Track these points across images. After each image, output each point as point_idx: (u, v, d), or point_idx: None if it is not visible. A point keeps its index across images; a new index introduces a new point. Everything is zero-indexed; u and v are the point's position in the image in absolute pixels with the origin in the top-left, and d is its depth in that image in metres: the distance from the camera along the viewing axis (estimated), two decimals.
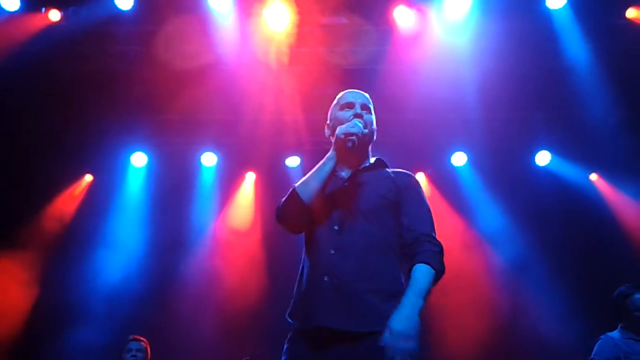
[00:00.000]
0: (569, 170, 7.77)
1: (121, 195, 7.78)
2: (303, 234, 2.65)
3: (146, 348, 4.58)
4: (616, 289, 4.13)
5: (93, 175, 7.81)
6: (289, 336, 2.50)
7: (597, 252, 7.48)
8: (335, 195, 2.58)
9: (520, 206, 7.63)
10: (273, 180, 7.71)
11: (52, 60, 6.36)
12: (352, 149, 2.54)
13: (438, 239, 2.48)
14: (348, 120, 2.62)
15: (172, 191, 7.70)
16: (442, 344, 6.77)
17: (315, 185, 2.50)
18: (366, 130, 2.59)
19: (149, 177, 7.82)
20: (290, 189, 2.56)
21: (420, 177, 7.98)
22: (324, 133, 2.84)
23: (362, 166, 2.71)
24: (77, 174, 7.74)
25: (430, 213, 2.57)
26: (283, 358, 2.45)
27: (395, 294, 2.35)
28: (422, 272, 2.34)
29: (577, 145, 7.53)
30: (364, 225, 2.48)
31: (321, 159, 2.60)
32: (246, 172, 7.95)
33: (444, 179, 7.92)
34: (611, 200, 7.65)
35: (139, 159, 7.76)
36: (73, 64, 6.47)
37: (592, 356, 3.90)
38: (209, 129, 7.39)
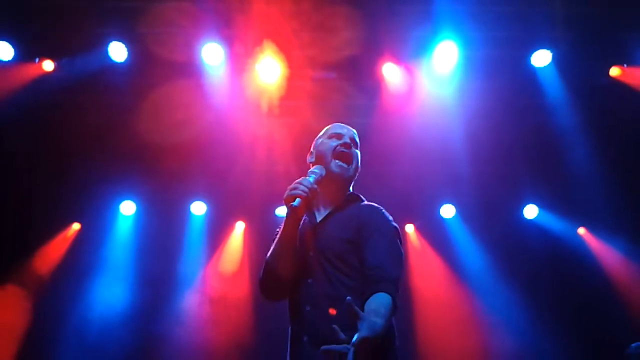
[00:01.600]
0: (556, 224, 7.82)
1: (109, 243, 7.72)
2: None
3: None
4: (615, 343, 4.03)
5: (81, 223, 7.75)
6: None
7: (586, 306, 7.47)
8: (306, 242, 2.51)
9: (508, 258, 7.65)
10: (263, 229, 7.69)
11: (44, 109, 6.42)
12: (325, 191, 2.55)
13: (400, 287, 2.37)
14: (331, 148, 2.61)
15: (161, 240, 7.65)
16: None
17: (283, 255, 2.45)
18: (315, 186, 2.42)
19: (137, 226, 7.78)
20: (264, 264, 2.52)
21: (410, 229, 8.01)
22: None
23: (336, 205, 2.62)
24: (65, 222, 7.69)
25: (393, 247, 2.44)
26: None
27: None
28: (379, 298, 2.24)
29: (564, 199, 7.61)
30: (333, 274, 2.40)
31: None
32: (236, 221, 7.93)
33: (433, 231, 7.94)
34: (599, 253, 7.68)
35: (127, 208, 7.75)
36: (65, 113, 6.53)
37: None
38: (199, 178, 7.41)
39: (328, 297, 2.36)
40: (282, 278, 2.45)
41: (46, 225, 7.44)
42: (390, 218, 2.57)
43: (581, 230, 7.94)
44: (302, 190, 2.35)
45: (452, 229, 7.95)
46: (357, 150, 2.71)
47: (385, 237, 2.45)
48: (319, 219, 2.59)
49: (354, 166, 2.65)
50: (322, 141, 2.70)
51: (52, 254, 7.49)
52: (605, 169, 6.94)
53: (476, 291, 7.74)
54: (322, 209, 2.62)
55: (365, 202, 2.67)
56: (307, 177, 2.44)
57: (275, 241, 2.49)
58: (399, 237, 2.52)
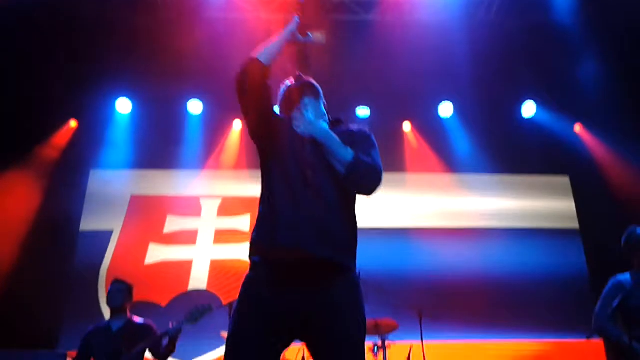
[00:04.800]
0: (554, 122, 7.87)
1: (105, 140, 7.74)
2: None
3: (127, 289, 4.58)
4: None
5: (77, 120, 7.75)
6: (246, 279, 2.35)
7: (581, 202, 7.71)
8: (297, 149, 2.45)
9: (505, 156, 7.76)
10: None
11: (40, 5, 6.22)
12: None
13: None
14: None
15: (157, 138, 7.67)
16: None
17: (274, 49, 2.51)
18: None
19: (133, 124, 7.79)
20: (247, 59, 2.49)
21: (407, 127, 8.05)
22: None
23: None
24: (63, 119, 7.68)
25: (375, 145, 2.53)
26: (240, 303, 2.29)
27: (354, 236, 2.41)
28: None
29: (562, 96, 7.63)
30: (329, 177, 2.38)
31: None
32: (233, 119, 7.92)
33: (431, 130, 7.98)
34: (594, 150, 7.80)
35: (124, 105, 7.73)
36: (60, 10, 6.34)
37: (602, 296, 4.01)
38: (195, 76, 7.31)
39: (325, 187, 2.37)
40: (266, 69, 2.45)
41: (44, 123, 7.42)
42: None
43: (577, 128, 8.03)
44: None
45: (450, 128, 7.99)
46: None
47: (375, 148, 2.50)
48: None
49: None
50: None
51: (50, 151, 7.53)
52: (604, 67, 6.91)
53: (472, 189, 7.88)
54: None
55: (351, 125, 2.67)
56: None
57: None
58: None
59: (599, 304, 3.95)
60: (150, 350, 4.42)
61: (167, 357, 4.40)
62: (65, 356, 4.87)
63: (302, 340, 2.30)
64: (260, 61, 2.44)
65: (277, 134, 2.48)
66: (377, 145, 2.51)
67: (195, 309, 4.29)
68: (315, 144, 2.43)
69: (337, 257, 2.28)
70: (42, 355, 4.81)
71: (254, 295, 2.28)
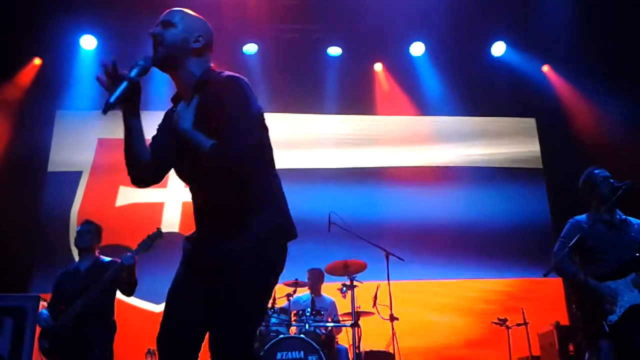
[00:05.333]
0: (522, 62, 7.91)
1: (71, 78, 7.55)
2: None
3: (95, 230, 4.60)
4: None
5: (42, 58, 7.53)
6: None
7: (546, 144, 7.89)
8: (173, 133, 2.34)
9: (475, 99, 7.82)
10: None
11: None
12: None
13: None
14: None
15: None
16: None
17: (130, 149, 2.37)
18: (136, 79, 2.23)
19: (98, 62, 7.57)
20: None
21: (378, 67, 8.02)
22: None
23: (191, 92, 2.35)
24: (26, 57, 7.45)
25: (240, 116, 2.20)
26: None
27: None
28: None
29: (531, 37, 7.65)
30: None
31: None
32: None
33: (402, 70, 7.96)
34: (561, 92, 7.90)
35: (88, 42, 7.52)
36: None
37: (560, 236, 4.16)
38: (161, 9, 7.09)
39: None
40: (140, 165, 2.39)
41: (5, 60, 7.18)
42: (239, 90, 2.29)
43: (545, 68, 8.10)
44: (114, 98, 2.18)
45: (421, 68, 7.97)
46: (170, 30, 2.34)
47: (233, 109, 2.22)
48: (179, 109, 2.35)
49: (163, 48, 2.32)
50: None
51: (14, 91, 7.35)
52: (573, 8, 6.93)
53: (441, 132, 7.96)
54: (183, 100, 2.40)
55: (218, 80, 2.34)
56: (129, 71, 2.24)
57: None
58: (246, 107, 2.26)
59: (557, 243, 4.11)
60: (117, 286, 4.46)
61: (131, 290, 4.45)
62: (38, 298, 4.92)
63: None
64: (134, 164, 2.38)
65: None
66: (243, 104, 2.23)
67: (146, 237, 4.40)
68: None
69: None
70: (16, 298, 4.83)
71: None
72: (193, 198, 2.39)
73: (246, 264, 2.16)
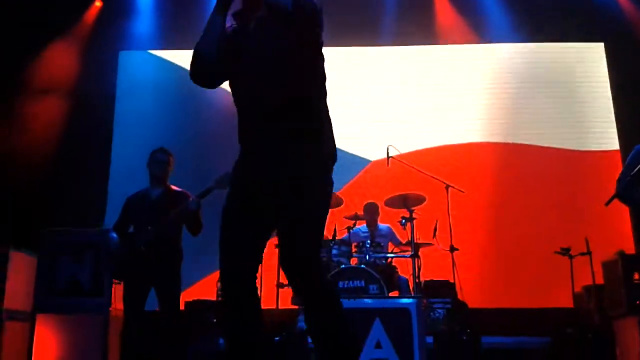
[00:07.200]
0: None
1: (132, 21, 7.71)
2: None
3: (171, 161, 4.66)
4: None
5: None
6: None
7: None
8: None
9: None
10: None
11: None
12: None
13: None
14: None
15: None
16: None
17: (212, 41, 2.40)
18: None
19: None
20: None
21: None
22: None
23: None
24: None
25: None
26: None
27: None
28: None
29: None
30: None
31: None
32: None
33: None
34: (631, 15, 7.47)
35: None
36: None
37: (626, 163, 4.04)
38: None
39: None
40: (211, 62, 2.42)
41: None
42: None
43: None
44: None
45: None
46: None
47: None
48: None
49: None
50: None
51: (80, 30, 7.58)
52: None
53: (503, 59, 7.71)
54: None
55: None
56: None
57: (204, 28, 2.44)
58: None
59: (622, 170, 4.00)
60: (185, 223, 4.50)
61: (197, 232, 4.48)
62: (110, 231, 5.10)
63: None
64: (200, 54, 2.41)
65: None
66: None
67: (225, 173, 4.16)
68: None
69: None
70: (90, 234, 5.05)
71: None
72: (246, 120, 2.40)
73: (307, 191, 2.27)
